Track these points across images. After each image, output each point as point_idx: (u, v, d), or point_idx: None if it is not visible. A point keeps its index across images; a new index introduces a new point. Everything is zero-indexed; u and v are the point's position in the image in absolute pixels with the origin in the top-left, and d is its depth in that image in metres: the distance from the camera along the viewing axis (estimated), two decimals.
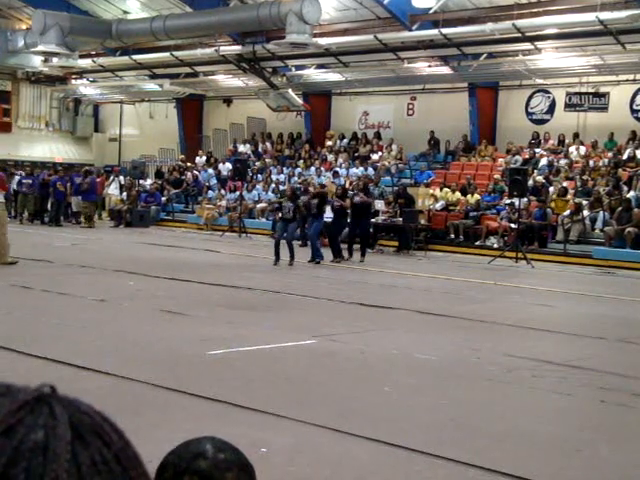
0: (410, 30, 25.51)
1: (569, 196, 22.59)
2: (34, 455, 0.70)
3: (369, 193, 21.01)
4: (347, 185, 23.78)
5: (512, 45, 25.02)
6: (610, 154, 24.55)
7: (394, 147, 29.32)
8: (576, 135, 25.97)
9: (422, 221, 23.25)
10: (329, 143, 31.38)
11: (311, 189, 21.51)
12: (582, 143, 25.64)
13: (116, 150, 39.62)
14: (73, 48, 28.47)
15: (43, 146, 38.71)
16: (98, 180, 29.58)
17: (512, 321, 11.27)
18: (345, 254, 19.20)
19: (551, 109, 27.29)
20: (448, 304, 12.70)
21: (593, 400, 7.29)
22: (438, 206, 24.45)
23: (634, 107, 25.57)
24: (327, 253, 18.82)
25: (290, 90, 29.84)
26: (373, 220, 22.61)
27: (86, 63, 33.13)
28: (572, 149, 25.70)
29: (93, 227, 26.73)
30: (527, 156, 25.96)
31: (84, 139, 40.53)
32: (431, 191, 25.05)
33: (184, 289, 13.27)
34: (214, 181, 31.28)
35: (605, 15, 21.67)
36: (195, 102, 36.32)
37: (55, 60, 30.51)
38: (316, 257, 18.36)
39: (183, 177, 31.82)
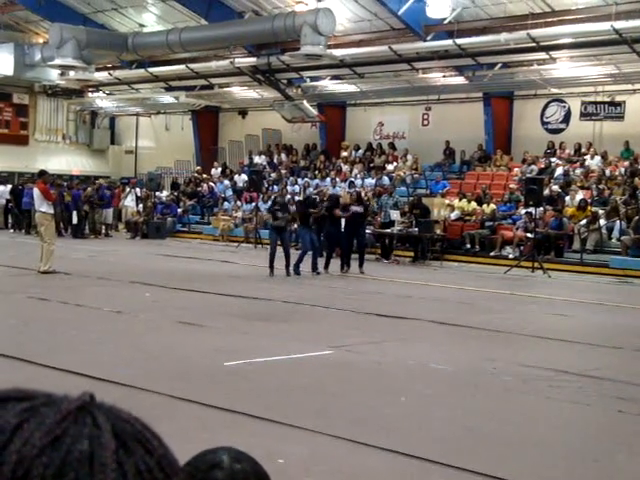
0: (424, 41, 25.56)
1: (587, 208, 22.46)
2: (81, 465, 0.70)
3: (363, 203, 20.76)
4: (362, 194, 23.71)
5: (527, 55, 25.00)
6: (626, 163, 24.44)
7: (409, 157, 29.32)
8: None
9: (438, 231, 23.25)
10: (344, 154, 31.41)
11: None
12: (596, 153, 25.55)
13: (132, 162, 39.81)
14: (89, 61, 28.72)
15: (60, 159, 38.90)
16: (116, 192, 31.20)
17: (528, 331, 11.23)
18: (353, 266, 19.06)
19: (566, 118, 27.21)
20: (464, 314, 12.67)
21: (610, 410, 7.25)
22: (453, 216, 24.43)
23: None
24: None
25: (305, 101, 29.92)
26: (388, 230, 22.64)
27: (102, 76, 33.39)
28: (587, 158, 25.62)
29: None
30: (543, 165, 25.88)
31: (101, 151, 40.76)
32: (447, 201, 25.04)
33: (200, 300, 13.30)
34: (230, 192, 31.38)
35: (620, 24, 21.64)
36: (210, 114, 36.45)
37: (72, 73, 30.76)
38: (317, 268, 18.10)
39: (198, 189, 32.05)
